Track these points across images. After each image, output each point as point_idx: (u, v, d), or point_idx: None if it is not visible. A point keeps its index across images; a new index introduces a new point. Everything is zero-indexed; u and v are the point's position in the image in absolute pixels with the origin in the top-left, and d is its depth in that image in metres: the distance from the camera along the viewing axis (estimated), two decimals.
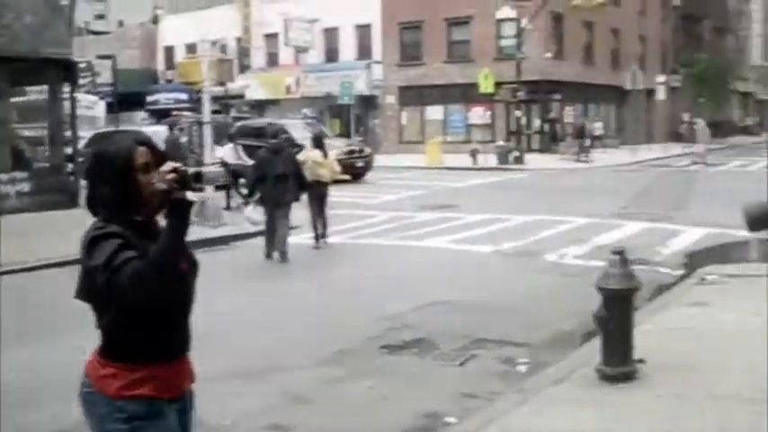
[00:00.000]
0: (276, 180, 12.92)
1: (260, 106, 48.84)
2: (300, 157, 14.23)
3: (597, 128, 40.85)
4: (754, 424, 5.59)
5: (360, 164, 28.29)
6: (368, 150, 29.82)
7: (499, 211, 18.34)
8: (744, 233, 11.57)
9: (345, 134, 37.87)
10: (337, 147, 27.62)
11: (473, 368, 7.47)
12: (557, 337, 8.43)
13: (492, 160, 34.23)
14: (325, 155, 14.63)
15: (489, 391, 6.77)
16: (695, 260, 12.37)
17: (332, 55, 49.48)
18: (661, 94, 46.69)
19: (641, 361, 6.67)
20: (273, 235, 13.06)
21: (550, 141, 42.97)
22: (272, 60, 51.99)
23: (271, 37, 50.14)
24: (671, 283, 10.77)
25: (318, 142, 14.90)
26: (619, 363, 6.49)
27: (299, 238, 14.58)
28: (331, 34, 49.00)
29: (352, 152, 28.37)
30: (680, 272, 11.67)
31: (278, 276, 12.26)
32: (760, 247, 12.88)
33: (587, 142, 37.43)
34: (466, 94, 42.28)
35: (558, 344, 8.13)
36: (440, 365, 7.54)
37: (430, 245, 14.27)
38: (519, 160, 34.58)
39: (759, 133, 73.10)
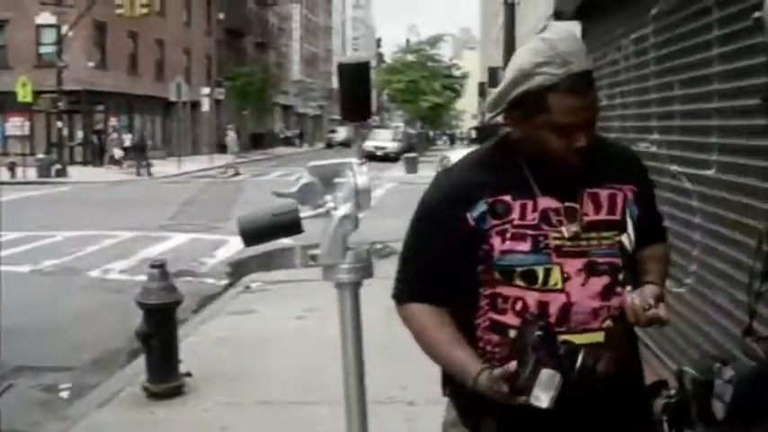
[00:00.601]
0: None
1: None
2: None
3: (127, 139, 40.69)
4: (299, 425, 5.77)
5: None
6: None
7: (39, 227, 17.33)
8: (286, 241, 12.15)
9: None
10: None
11: (11, 399, 6.86)
12: (103, 357, 8.09)
13: (32, 173, 32.51)
14: None
15: (30, 423, 6.28)
16: (240, 269, 12.65)
17: None
18: (206, 107, 47.51)
19: (188, 374, 6.60)
20: None
21: (98, 153, 41.85)
22: None
23: None
24: (217, 293, 10.89)
25: None
26: (165, 379, 6.37)
27: None
28: None
29: None
30: (225, 281, 11.88)
31: None
32: (302, 253, 13.48)
33: (147, 154, 36.97)
34: (3, 102, 39.61)
35: (104, 364, 7.81)
36: None
37: None
38: (61, 173, 33.23)
39: (300, 144, 77.49)
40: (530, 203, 2.22)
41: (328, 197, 1.94)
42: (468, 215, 2.22)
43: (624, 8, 6.96)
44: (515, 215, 2.21)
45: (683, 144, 5.56)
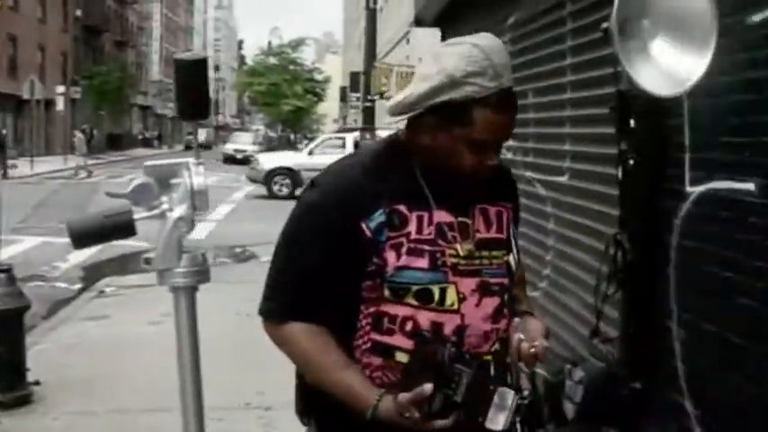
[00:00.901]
0: None
1: None
2: None
3: None
4: None
5: None
6: None
7: None
8: (142, 243, 11.89)
9: None
10: None
11: None
12: None
13: None
14: None
15: None
16: (94, 273, 12.31)
17: None
18: (60, 105, 46.00)
19: (37, 383, 6.35)
20: None
21: None
22: None
23: None
24: (69, 299, 10.55)
25: None
26: (12, 387, 6.11)
27: None
28: None
29: None
30: (78, 286, 11.53)
31: None
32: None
33: (7, 154, 35.52)
34: None
35: None
36: None
37: None
38: None
39: (158, 146, 76.05)
40: (426, 216, 2.03)
41: (164, 198, 1.85)
42: (364, 225, 2.00)
43: (482, 16, 7.09)
44: (412, 228, 2.01)
45: (538, 151, 5.70)
